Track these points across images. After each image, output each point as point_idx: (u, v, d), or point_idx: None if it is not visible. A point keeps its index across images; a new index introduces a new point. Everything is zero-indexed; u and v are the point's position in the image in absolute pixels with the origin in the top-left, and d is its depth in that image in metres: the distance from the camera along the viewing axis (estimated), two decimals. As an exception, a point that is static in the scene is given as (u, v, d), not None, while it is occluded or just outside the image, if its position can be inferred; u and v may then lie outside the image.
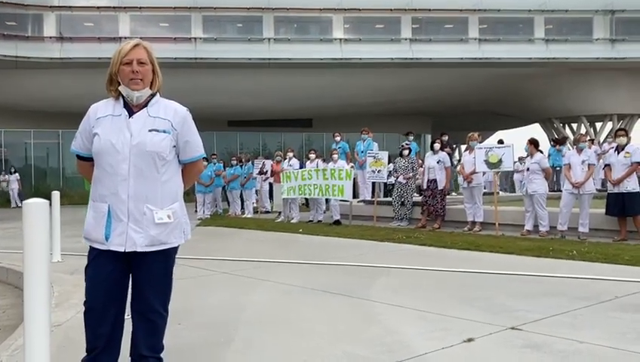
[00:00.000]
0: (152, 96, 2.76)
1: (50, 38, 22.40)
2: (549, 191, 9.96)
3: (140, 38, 2.86)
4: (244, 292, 5.21)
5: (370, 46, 23.79)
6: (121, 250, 2.64)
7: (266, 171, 14.94)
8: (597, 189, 9.89)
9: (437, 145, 11.18)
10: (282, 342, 3.62)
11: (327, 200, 12.88)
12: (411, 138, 14.36)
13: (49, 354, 2.26)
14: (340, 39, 24.02)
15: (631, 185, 8.43)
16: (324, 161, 14.17)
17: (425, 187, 11.00)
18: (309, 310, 4.51)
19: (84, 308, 2.73)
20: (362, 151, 13.93)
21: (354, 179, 13.31)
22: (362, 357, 3.26)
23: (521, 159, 14.40)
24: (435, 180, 10.84)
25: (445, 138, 14.57)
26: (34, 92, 23.09)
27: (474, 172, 10.17)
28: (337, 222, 11.94)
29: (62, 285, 5.46)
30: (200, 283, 5.68)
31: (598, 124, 27.79)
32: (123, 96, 2.72)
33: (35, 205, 2.27)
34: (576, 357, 3.20)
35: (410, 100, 26.89)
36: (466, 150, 11.11)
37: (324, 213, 12.98)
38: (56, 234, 7.05)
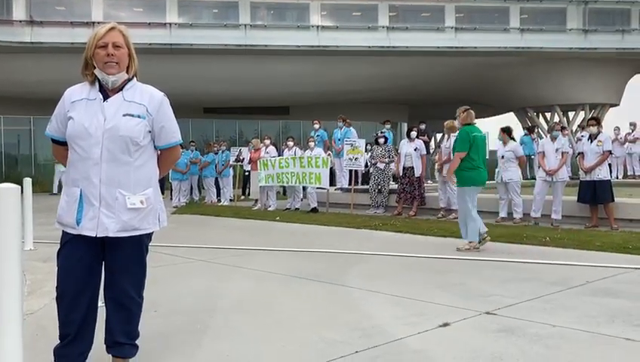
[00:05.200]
0: (128, 80, 2.71)
1: (20, 21, 21.80)
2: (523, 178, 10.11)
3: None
4: (221, 279, 5.19)
5: (348, 33, 23.71)
6: (93, 234, 2.61)
7: (243, 159, 14.87)
8: (569, 177, 10.06)
9: (414, 133, 11.26)
10: (259, 328, 3.62)
11: (304, 188, 12.88)
12: (388, 126, 14.41)
13: (22, 342, 2.22)
14: (317, 26, 23.88)
15: (602, 174, 8.59)
16: (302, 148, 14.15)
17: (401, 174, 11.07)
18: (286, 296, 4.52)
19: (56, 294, 2.69)
20: (339, 139, 13.94)
21: (331, 167, 13.34)
22: (339, 342, 3.27)
23: None
24: (411, 168, 10.92)
25: (423, 126, 14.67)
26: (3, 77, 22.49)
27: (447, 161, 10.31)
28: (314, 210, 11.95)
29: (34, 273, 5.37)
30: (176, 271, 5.64)
31: (571, 113, 28.23)
32: (99, 80, 2.68)
33: (5, 190, 2.21)
34: (549, 340, 3.27)
35: (387, 88, 26.94)
36: (442, 138, 11.21)
37: (302, 200, 12.98)
38: (28, 221, 6.93)
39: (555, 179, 8.92)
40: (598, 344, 3.22)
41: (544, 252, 6.44)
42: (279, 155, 13.69)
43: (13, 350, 2.19)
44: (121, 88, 2.69)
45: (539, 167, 9.58)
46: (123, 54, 2.66)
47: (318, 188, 12.16)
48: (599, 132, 8.86)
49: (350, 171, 13.08)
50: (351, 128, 14.19)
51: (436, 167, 11.04)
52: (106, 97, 2.66)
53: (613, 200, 8.50)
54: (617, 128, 16.82)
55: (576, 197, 8.85)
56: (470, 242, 6.68)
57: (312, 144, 12.76)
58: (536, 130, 17.40)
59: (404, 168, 11.02)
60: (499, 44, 24.26)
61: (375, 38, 23.89)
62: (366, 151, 13.42)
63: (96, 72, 2.65)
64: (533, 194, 9.18)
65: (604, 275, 5.04)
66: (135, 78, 2.76)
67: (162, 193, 11.60)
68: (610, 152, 8.91)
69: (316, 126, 14.46)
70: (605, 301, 4.16)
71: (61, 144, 2.76)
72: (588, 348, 3.15)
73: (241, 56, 23.07)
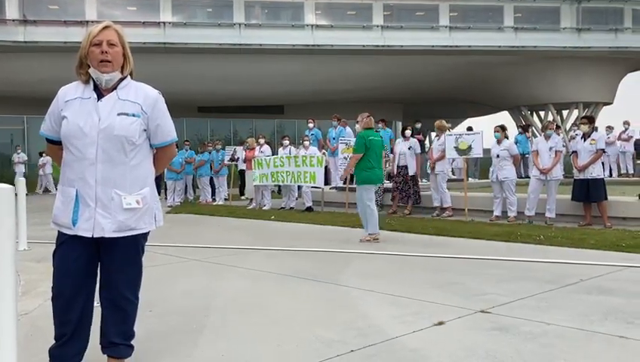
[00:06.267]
0: (122, 79, 2.70)
1: (14, 20, 21.71)
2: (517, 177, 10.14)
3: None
4: (216, 279, 5.18)
5: (342, 32, 23.74)
6: (89, 235, 2.60)
7: (237, 158, 14.85)
8: (563, 175, 10.10)
9: (408, 132, 11.29)
10: (255, 328, 3.62)
11: (299, 187, 12.88)
12: (380, 126, 14.42)
13: (16, 342, 2.22)
14: (312, 25, 23.89)
15: (595, 172, 8.62)
16: (296, 147, 14.14)
17: (396, 173, 11.07)
18: (281, 296, 4.52)
19: (51, 294, 2.68)
20: (334, 138, 13.94)
21: (326, 165, 13.32)
22: (335, 341, 3.28)
23: None
24: (406, 166, 10.94)
25: (418, 125, 14.71)
26: (-3, 77, 22.43)
27: (438, 159, 10.46)
28: (309, 209, 11.95)
29: (29, 273, 5.35)
30: (171, 271, 5.63)
31: (565, 112, 28.34)
32: (93, 80, 2.66)
33: (-1, 190, 2.20)
34: (543, 338, 3.28)
35: (381, 87, 26.98)
36: (435, 136, 11.23)
37: (296, 199, 12.98)
38: (22, 221, 6.90)
39: (548, 177, 8.95)
40: (592, 342, 3.23)
41: (538, 250, 6.46)
42: (274, 154, 13.68)
43: (8, 350, 2.18)
44: (115, 87, 2.68)
45: (532, 166, 9.61)
46: (117, 53, 2.64)
47: (312, 187, 12.16)
48: (592, 130, 8.89)
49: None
50: (346, 127, 14.19)
51: (429, 164, 11.09)
52: (100, 96, 2.65)
53: (607, 199, 8.54)
54: (611, 127, 16.90)
55: (569, 196, 8.89)
56: (370, 234, 7.39)
57: (306, 143, 12.76)
58: (530, 129, 17.45)
59: (398, 167, 11.02)
60: (493, 43, 24.34)
61: (369, 37, 23.92)
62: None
63: (91, 71, 2.64)
64: (527, 192, 9.20)
65: (598, 273, 5.06)
66: (130, 77, 2.74)
67: (159, 193, 11.67)
68: (603, 151, 8.95)
69: (310, 125, 14.45)
70: (599, 299, 4.18)
71: (56, 143, 2.74)
72: (582, 346, 3.17)
73: (235, 55, 23.04)
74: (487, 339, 3.28)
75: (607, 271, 5.18)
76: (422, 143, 14.19)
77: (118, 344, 2.75)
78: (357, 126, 7.96)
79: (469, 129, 15.03)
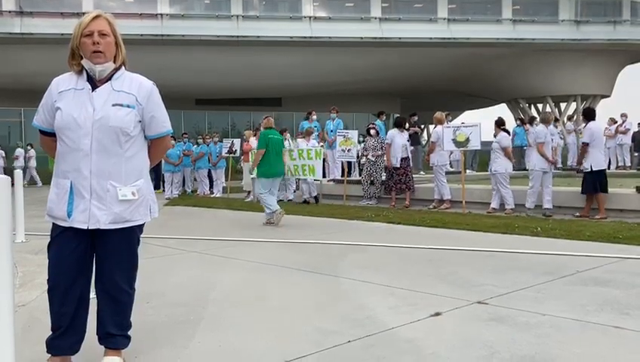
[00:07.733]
0: (117, 69, 2.68)
1: (10, 12, 21.60)
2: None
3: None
4: (214, 270, 5.19)
5: (340, 24, 23.66)
6: (84, 227, 2.59)
7: (235, 150, 14.84)
8: (556, 167, 10.15)
9: (407, 125, 11.35)
10: (253, 319, 3.62)
11: (297, 180, 12.88)
12: (384, 118, 14.43)
13: (13, 334, 2.22)
14: (310, 17, 23.80)
15: (586, 164, 8.65)
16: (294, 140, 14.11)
17: (398, 165, 11.00)
18: (279, 287, 4.53)
19: (47, 287, 2.68)
20: (332, 131, 13.93)
21: (324, 158, 13.31)
22: (333, 332, 3.29)
23: None
24: (408, 158, 11.02)
25: (415, 118, 14.71)
26: (-7, 69, 22.32)
27: (430, 151, 10.57)
28: (316, 199, 12.00)
29: (26, 265, 5.35)
30: (169, 263, 5.63)
31: (563, 105, 28.33)
32: (86, 70, 2.64)
33: (-5, 182, 2.20)
34: (539, 328, 3.30)
35: (379, 80, 26.92)
36: (435, 128, 11.23)
37: (295, 192, 12.98)
38: (20, 214, 6.90)
39: (552, 169, 9.04)
40: (588, 332, 3.25)
41: (535, 242, 6.48)
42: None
43: (6, 341, 2.19)
44: (109, 78, 2.65)
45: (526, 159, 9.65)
46: (109, 43, 2.61)
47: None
48: (586, 124, 8.87)
49: (342, 162, 13.09)
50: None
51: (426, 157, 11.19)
52: (93, 87, 2.62)
53: (602, 192, 8.57)
54: (614, 120, 16.90)
55: (565, 187, 8.95)
56: (268, 218, 8.46)
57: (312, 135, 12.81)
58: (535, 122, 17.41)
59: (401, 159, 10.99)
60: (491, 35, 24.28)
61: (368, 29, 23.84)
62: (359, 142, 13.43)
63: (83, 62, 2.61)
64: (527, 185, 9.19)
65: (593, 265, 5.08)
66: (123, 67, 2.72)
67: (158, 186, 11.79)
68: (586, 144, 8.74)
69: (314, 117, 14.37)
70: (595, 290, 4.20)
71: (49, 135, 2.73)
72: (577, 336, 3.19)
73: (233, 47, 22.95)
74: (483, 330, 3.30)
75: (603, 262, 5.20)
76: (418, 136, 14.23)
77: (115, 335, 2.76)
78: (261, 128, 9.03)
79: (466, 123, 15.02)
